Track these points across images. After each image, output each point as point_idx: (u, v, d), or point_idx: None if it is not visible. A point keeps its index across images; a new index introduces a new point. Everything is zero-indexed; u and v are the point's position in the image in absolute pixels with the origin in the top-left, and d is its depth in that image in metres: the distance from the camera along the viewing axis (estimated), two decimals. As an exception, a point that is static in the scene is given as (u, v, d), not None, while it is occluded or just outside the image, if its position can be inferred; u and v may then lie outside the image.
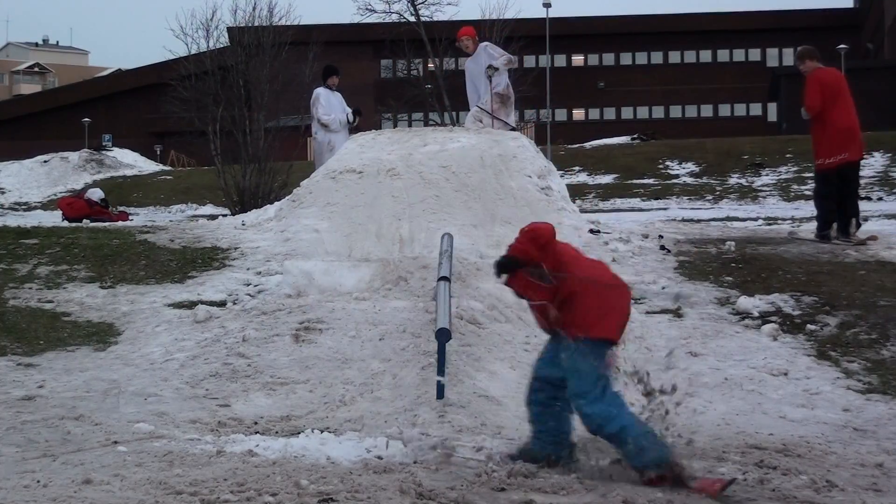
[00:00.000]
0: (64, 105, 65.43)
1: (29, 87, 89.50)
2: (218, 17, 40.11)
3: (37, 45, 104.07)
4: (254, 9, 26.87)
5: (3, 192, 35.22)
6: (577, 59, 65.98)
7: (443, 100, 42.85)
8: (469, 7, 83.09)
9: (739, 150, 32.99)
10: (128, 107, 63.32)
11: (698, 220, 17.83)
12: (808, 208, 20.11)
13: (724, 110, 65.07)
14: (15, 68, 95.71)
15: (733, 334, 7.53)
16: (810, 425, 5.79)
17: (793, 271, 8.80)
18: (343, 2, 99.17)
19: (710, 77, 64.41)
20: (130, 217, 18.72)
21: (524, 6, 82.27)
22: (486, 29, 38.44)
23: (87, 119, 55.22)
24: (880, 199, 23.67)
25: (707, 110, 65.05)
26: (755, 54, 65.10)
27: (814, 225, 10.93)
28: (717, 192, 27.85)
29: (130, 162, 43.53)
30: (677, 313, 7.93)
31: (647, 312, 7.92)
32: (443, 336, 6.03)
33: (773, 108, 57.62)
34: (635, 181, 30.67)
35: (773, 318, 7.78)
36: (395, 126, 45.71)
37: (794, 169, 29.32)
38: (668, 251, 9.71)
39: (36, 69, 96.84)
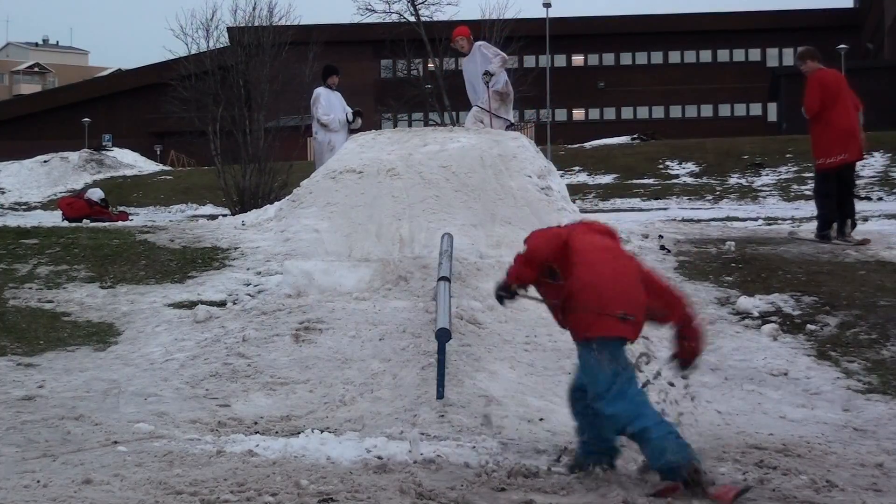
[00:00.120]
0: (64, 105, 65.42)
1: (29, 87, 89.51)
2: (218, 17, 40.10)
3: (37, 45, 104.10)
4: (254, 9, 26.88)
5: (3, 192, 35.20)
6: (577, 59, 65.96)
7: (443, 100, 42.85)
8: (469, 7, 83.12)
9: (739, 150, 32.98)
10: (128, 107, 63.31)
11: (698, 220, 17.82)
12: (808, 208, 20.12)
13: (724, 110, 65.06)
14: (15, 68, 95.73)
15: (733, 334, 7.53)
16: (810, 425, 5.79)
17: (793, 271, 8.80)
18: (343, 2, 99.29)
19: (710, 77, 64.40)
20: (130, 217, 18.73)
21: (524, 6, 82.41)
22: (486, 29, 38.48)
23: (87, 119, 55.21)
24: (880, 199, 23.65)
25: (707, 110, 65.03)
26: (755, 54, 65.08)
27: (814, 225, 10.97)
28: (717, 192, 27.84)
29: (130, 162, 43.51)
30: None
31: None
32: (443, 336, 6.03)
33: (773, 108, 57.59)
34: (635, 181, 30.66)
35: (773, 318, 7.79)
36: (395, 126, 45.72)
37: (794, 169, 29.32)
38: (668, 251, 9.71)
39: (36, 69, 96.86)
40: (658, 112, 65.55)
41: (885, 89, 41.41)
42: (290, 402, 6.20)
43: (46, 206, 31.51)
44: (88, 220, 14.72)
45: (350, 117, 13.68)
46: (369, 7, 44.24)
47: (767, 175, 29.45)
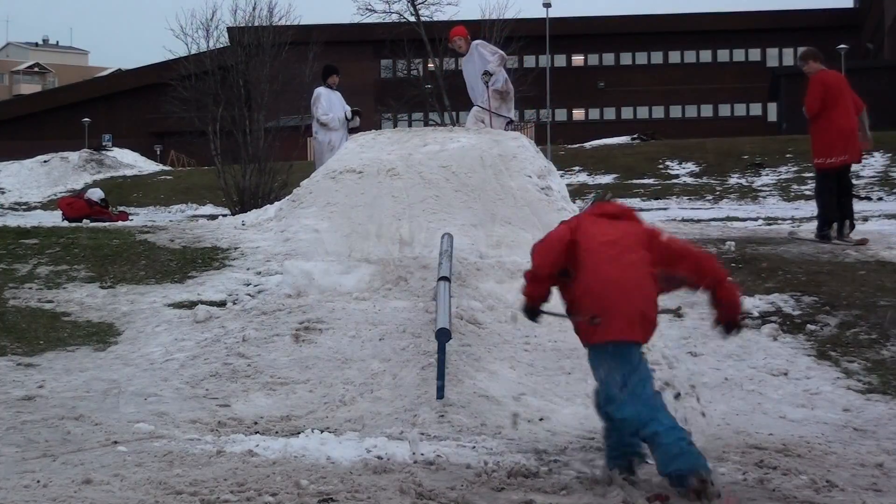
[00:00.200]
0: (64, 105, 65.42)
1: (29, 87, 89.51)
2: (218, 17, 40.27)
3: (37, 45, 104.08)
4: (254, 9, 26.90)
5: (3, 192, 35.20)
6: (577, 59, 65.97)
7: (443, 100, 42.87)
8: (469, 7, 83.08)
9: (739, 150, 32.99)
10: (128, 107, 63.32)
11: (698, 220, 17.84)
12: (808, 208, 20.13)
13: (724, 110, 65.07)
14: (15, 68, 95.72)
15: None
16: (810, 425, 5.79)
17: (793, 271, 8.80)
18: (343, 2, 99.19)
19: (710, 77, 64.40)
20: (130, 217, 18.73)
21: (524, 6, 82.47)
22: (485, 29, 38.48)
23: (87, 119, 55.22)
24: (880, 199, 23.66)
25: (707, 110, 65.04)
26: (755, 54, 65.08)
27: (814, 225, 11.00)
28: (717, 192, 27.85)
29: (130, 162, 43.52)
30: (677, 313, 7.91)
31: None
32: (443, 336, 6.03)
33: (773, 108, 57.58)
34: (635, 181, 30.66)
35: (773, 318, 7.79)
36: (395, 126, 45.73)
37: (794, 169, 29.33)
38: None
39: (36, 69, 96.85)
40: (658, 112, 65.56)
41: (885, 89, 41.41)
42: (290, 402, 6.20)
43: (46, 206, 31.51)
44: (88, 220, 14.71)
45: (349, 114, 13.72)
46: (369, 7, 44.30)
47: (767, 175, 29.46)
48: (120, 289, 8.93)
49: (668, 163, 32.84)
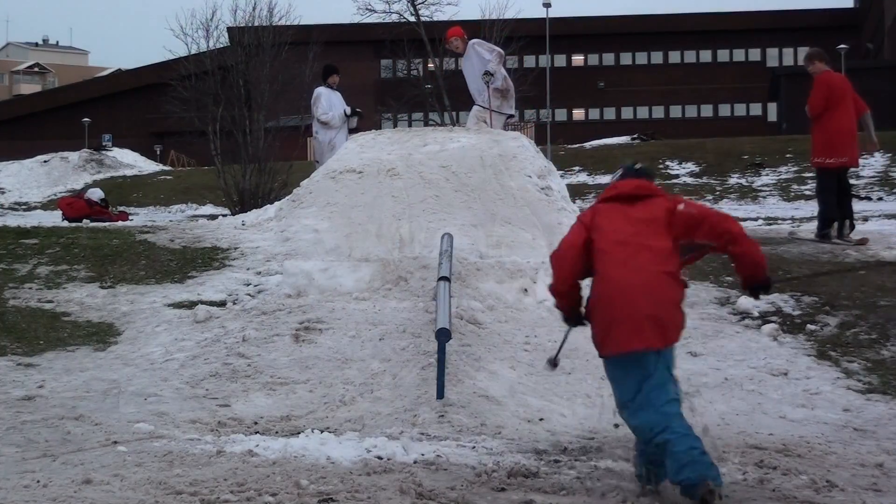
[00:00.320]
0: (64, 105, 65.38)
1: (29, 87, 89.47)
2: (218, 17, 40.17)
3: (37, 45, 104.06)
4: (254, 9, 26.88)
5: (3, 192, 35.18)
6: (577, 59, 65.95)
7: (443, 100, 42.83)
8: (469, 7, 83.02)
9: (739, 150, 32.97)
10: (128, 107, 63.28)
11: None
12: (808, 208, 20.13)
13: (724, 110, 65.04)
14: (15, 68, 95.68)
15: (733, 334, 7.53)
16: (810, 425, 5.79)
17: (793, 271, 8.80)
18: (343, 2, 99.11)
19: (710, 77, 64.39)
20: (130, 217, 18.72)
21: (524, 6, 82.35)
22: (485, 29, 38.46)
23: (87, 119, 55.16)
24: (880, 199, 23.65)
25: (707, 110, 65.01)
26: (755, 54, 65.06)
27: (814, 225, 11.03)
28: (717, 192, 27.83)
29: (130, 162, 43.49)
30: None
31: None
32: (443, 336, 6.03)
33: (773, 108, 57.54)
34: (635, 181, 30.59)
35: (773, 318, 7.79)
36: (395, 126, 45.71)
37: (794, 169, 29.31)
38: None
39: (36, 69, 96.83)
40: (658, 112, 65.54)
41: (885, 89, 41.37)
42: (290, 402, 6.20)
43: (46, 206, 31.49)
44: (88, 220, 14.70)
45: (348, 111, 13.73)
46: (369, 7, 44.21)
47: (767, 175, 29.44)
48: (120, 289, 8.93)
49: (668, 163, 32.83)
